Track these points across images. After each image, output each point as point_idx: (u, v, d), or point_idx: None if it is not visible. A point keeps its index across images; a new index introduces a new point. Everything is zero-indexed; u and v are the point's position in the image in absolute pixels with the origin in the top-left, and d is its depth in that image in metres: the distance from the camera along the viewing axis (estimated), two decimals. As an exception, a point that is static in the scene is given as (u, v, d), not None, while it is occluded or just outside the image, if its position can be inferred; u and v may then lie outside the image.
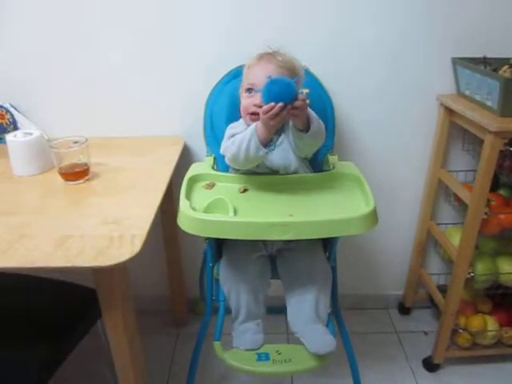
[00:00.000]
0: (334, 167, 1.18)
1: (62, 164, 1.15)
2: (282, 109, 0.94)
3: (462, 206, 1.52)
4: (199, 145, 1.45)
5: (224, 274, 1.11)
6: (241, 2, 1.32)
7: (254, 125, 1.03)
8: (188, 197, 1.03)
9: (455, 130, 1.46)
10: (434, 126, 1.47)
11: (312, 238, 0.93)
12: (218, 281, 1.17)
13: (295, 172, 1.11)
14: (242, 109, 1.12)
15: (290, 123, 1.05)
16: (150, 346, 1.63)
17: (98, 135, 1.45)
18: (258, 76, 1.08)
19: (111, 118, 1.47)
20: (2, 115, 1.40)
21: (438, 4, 1.33)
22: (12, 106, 1.41)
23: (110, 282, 0.90)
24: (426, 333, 1.70)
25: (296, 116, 0.98)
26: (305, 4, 1.33)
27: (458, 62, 1.36)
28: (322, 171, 1.25)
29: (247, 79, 1.11)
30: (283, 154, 1.09)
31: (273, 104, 0.94)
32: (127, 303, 0.95)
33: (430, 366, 1.52)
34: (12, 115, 1.40)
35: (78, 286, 1.16)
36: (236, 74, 1.29)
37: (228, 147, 1.07)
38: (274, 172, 1.11)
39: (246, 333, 1.08)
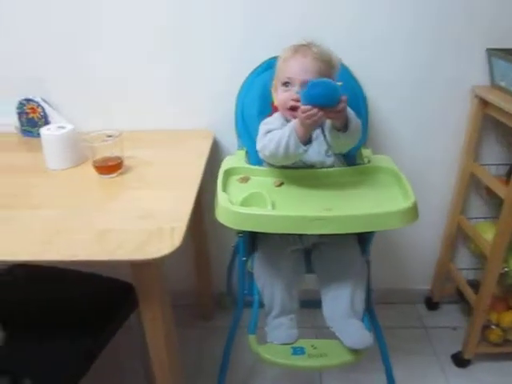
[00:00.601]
0: (368, 161, 1.16)
1: (96, 158, 1.15)
2: (323, 114, 0.94)
3: (494, 199, 1.50)
4: (228, 139, 1.44)
5: (258, 268, 1.11)
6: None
7: (292, 122, 1.02)
8: (224, 190, 1.02)
9: (488, 123, 1.42)
10: (465, 118, 1.44)
11: (351, 232, 0.91)
12: (251, 275, 1.17)
13: (331, 166, 1.10)
14: (278, 103, 1.11)
15: (328, 121, 1.03)
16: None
17: (126, 129, 1.44)
18: (294, 70, 1.07)
19: (138, 111, 1.47)
20: (34, 109, 1.41)
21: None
22: (43, 99, 1.42)
23: (150, 276, 0.90)
24: (454, 328, 1.68)
25: (336, 118, 0.98)
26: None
27: (494, 53, 1.33)
28: (355, 165, 1.24)
29: (283, 73, 1.10)
30: (319, 148, 1.09)
31: (314, 110, 0.93)
32: (165, 296, 0.95)
33: (460, 361, 1.51)
34: (43, 109, 1.41)
35: (113, 279, 1.17)
36: (268, 66, 1.28)
37: (266, 145, 1.05)
38: (309, 166, 1.10)
39: (280, 327, 1.08)
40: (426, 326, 1.70)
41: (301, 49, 1.09)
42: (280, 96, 1.10)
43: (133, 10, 1.34)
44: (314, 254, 1.14)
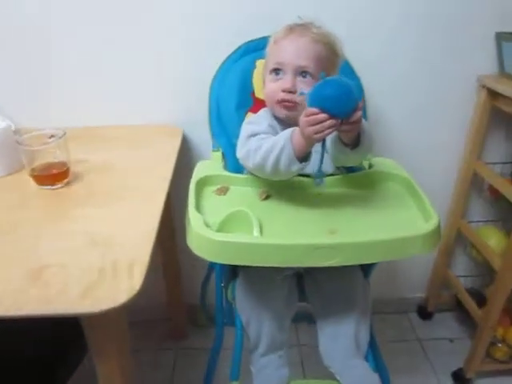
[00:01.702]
0: (369, 165, 0.97)
1: (35, 164, 0.92)
2: (334, 124, 0.70)
3: (499, 202, 1.35)
4: (201, 136, 1.23)
5: (242, 299, 0.91)
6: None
7: (288, 131, 0.78)
8: (197, 207, 0.81)
9: (496, 116, 1.26)
10: (471, 111, 1.27)
11: (364, 263, 0.72)
12: (232, 303, 0.97)
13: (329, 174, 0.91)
14: (266, 96, 0.90)
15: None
16: (144, 364, 1.43)
17: (76, 124, 1.21)
18: (287, 53, 0.86)
19: (92, 102, 1.23)
20: (-41, 101, 1.14)
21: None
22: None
23: (103, 331, 0.68)
24: (451, 340, 1.54)
25: (348, 131, 0.74)
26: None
27: (504, 37, 1.16)
28: (352, 167, 1.05)
29: (273, 57, 0.88)
30: (316, 156, 0.89)
31: (322, 115, 0.69)
32: (125, 349, 0.74)
33: (462, 380, 1.36)
34: (-29, 101, 1.14)
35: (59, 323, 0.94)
36: (247, 49, 1.07)
37: (250, 154, 0.82)
38: (302, 175, 0.90)
39: (268, 367, 0.90)
40: (421, 338, 1.55)
41: (297, 28, 0.88)
42: (268, 86, 0.89)
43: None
44: (307, 281, 0.94)
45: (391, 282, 1.59)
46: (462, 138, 1.31)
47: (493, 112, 1.23)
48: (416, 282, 1.60)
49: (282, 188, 0.88)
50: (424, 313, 1.61)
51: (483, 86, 1.21)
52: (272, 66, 0.87)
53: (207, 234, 0.70)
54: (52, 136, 0.93)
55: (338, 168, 0.92)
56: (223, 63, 1.07)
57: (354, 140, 0.77)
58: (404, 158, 1.28)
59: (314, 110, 0.70)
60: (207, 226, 0.76)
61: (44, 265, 0.70)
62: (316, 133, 0.70)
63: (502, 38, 1.17)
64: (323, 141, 0.75)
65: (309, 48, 0.84)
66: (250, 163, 0.83)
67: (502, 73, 1.20)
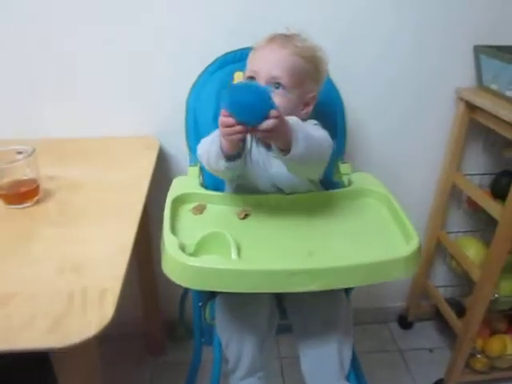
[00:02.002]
0: (348, 181, 0.96)
1: (2, 182, 0.87)
2: (240, 130, 0.69)
3: (477, 213, 1.35)
4: (179, 146, 1.19)
5: (222, 320, 0.88)
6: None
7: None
8: (173, 228, 0.78)
9: (474, 129, 1.27)
10: (449, 124, 1.28)
11: (342, 287, 0.70)
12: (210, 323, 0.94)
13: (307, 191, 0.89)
14: None
15: None
16: (120, 381, 1.39)
17: (47, 135, 1.17)
18: (262, 62, 0.84)
19: (64, 112, 1.19)
20: None
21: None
22: None
23: (72, 366, 0.65)
24: (431, 350, 1.54)
25: (263, 138, 0.74)
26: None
27: (483, 51, 1.16)
28: (331, 183, 1.04)
29: (250, 65, 0.87)
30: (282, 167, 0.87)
31: (230, 120, 0.68)
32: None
33: (442, 391, 1.37)
34: None
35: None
36: (224, 61, 1.05)
37: (199, 146, 0.85)
38: (279, 190, 0.88)
39: (246, 391, 0.87)
40: (401, 348, 1.55)
41: (279, 39, 0.86)
42: None
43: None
44: (287, 301, 0.92)
45: (371, 291, 1.58)
46: (441, 150, 1.32)
47: (471, 124, 1.24)
48: (396, 292, 1.60)
49: (260, 206, 0.86)
50: (404, 322, 1.61)
51: (461, 99, 1.22)
52: (247, 73, 0.86)
53: (181, 259, 0.68)
54: (20, 152, 0.89)
55: (313, 186, 0.91)
56: (200, 75, 1.05)
57: (288, 145, 0.72)
58: (384, 169, 1.29)
59: (224, 113, 0.69)
60: (183, 248, 0.73)
61: (9, 293, 0.66)
62: (225, 135, 0.71)
63: (479, 51, 1.18)
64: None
65: (286, 60, 0.82)
66: (202, 159, 0.85)
67: (480, 86, 1.21)
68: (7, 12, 1.07)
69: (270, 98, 0.67)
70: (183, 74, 1.07)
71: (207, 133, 0.99)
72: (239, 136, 0.70)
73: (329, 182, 1.05)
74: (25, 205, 0.88)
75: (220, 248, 0.74)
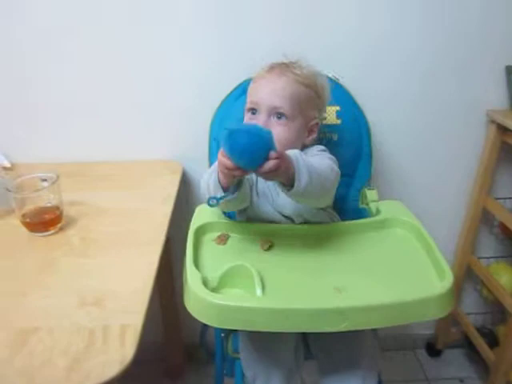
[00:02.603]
0: (376, 209, 0.93)
1: (26, 209, 0.87)
2: (237, 174, 0.69)
3: (510, 239, 1.30)
4: (203, 171, 1.19)
5: (247, 354, 0.85)
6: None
7: None
8: (196, 259, 0.76)
9: (507, 152, 1.22)
10: (479, 147, 1.23)
11: (373, 327, 0.67)
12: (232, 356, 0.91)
13: (317, 221, 0.86)
14: None
15: None
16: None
17: (73, 160, 1.18)
18: (262, 92, 0.82)
19: (90, 137, 1.19)
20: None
21: (493, 4, 1.09)
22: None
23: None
24: (461, 380, 1.47)
25: (268, 178, 0.71)
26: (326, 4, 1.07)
27: (516, 71, 1.12)
28: (357, 210, 1.01)
29: (250, 96, 0.86)
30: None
31: (229, 163, 0.67)
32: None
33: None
34: (-35, 138, 1.11)
35: None
36: (246, 87, 1.03)
37: (202, 179, 0.83)
38: (288, 220, 0.86)
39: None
40: (430, 378, 1.49)
41: (278, 67, 0.85)
42: None
43: (88, 23, 1.08)
44: (312, 335, 0.89)
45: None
46: (471, 173, 1.27)
47: (503, 147, 1.19)
48: (424, 318, 1.54)
49: (285, 236, 0.84)
50: (433, 350, 1.55)
51: (493, 122, 1.17)
52: (248, 105, 0.84)
53: (204, 296, 0.65)
54: (44, 180, 0.89)
55: (323, 213, 0.89)
56: (224, 100, 1.04)
57: (291, 180, 0.70)
58: (412, 193, 1.27)
59: (223, 155, 0.67)
60: (206, 282, 0.71)
61: (30, 328, 0.65)
62: (222, 172, 0.71)
63: None
64: None
65: (286, 88, 0.81)
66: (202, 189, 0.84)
67: (513, 108, 1.16)
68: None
69: (269, 142, 0.65)
70: (208, 99, 1.06)
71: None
72: (235, 177, 0.72)
73: (354, 209, 1.02)
74: (48, 232, 0.88)
75: (244, 282, 0.72)
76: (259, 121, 0.81)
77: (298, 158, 0.70)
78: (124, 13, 1.06)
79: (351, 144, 1.03)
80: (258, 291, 0.69)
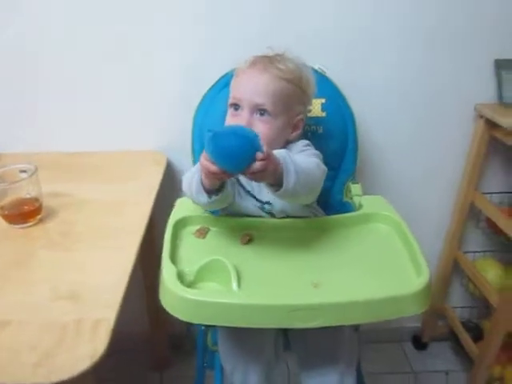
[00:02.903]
0: (359, 203, 0.92)
1: (5, 202, 0.86)
2: (221, 177, 0.69)
3: (497, 234, 1.29)
4: (187, 164, 1.18)
5: (226, 348, 0.84)
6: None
7: None
8: (173, 253, 0.76)
9: (494, 146, 1.21)
10: (467, 141, 1.22)
11: (347, 324, 0.66)
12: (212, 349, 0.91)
13: (300, 215, 0.86)
14: None
15: None
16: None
17: (58, 149, 1.17)
18: (244, 89, 0.81)
19: (77, 127, 1.18)
20: None
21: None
22: None
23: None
24: (447, 373, 1.48)
25: (256, 179, 0.70)
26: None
27: (505, 65, 1.11)
28: (341, 203, 1.00)
29: (233, 91, 0.84)
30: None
31: (213, 167, 0.66)
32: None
33: (457, 419, 1.31)
34: None
35: None
36: (229, 79, 1.02)
37: (183, 179, 0.82)
38: (269, 215, 0.86)
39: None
40: (416, 370, 1.50)
41: (261, 61, 0.82)
42: (227, 121, 0.84)
43: (80, 18, 1.06)
44: (291, 331, 0.88)
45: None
46: (458, 168, 1.26)
47: (491, 141, 1.18)
48: (411, 311, 1.54)
49: (265, 230, 0.83)
50: (419, 343, 1.56)
51: (481, 116, 1.16)
52: (231, 100, 0.82)
53: (178, 292, 0.65)
54: (24, 171, 0.88)
55: (307, 209, 0.88)
56: (207, 92, 1.03)
57: (278, 180, 0.69)
58: (397, 188, 1.26)
59: (206, 157, 0.66)
60: (182, 276, 0.71)
61: (3, 321, 0.64)
62: (205, 175, 0.70)
63: (501, 66, 1.12)
64: None
65: (269, 84, 0.79)
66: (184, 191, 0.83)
67: (501, 102, 1.15)
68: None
69: (255, 144, 0.64)
70: (194, 91, 1.04)
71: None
72: (219, 180, 0.71)
73: (338, 202, 1.01)
74: (27, 224, 0.87)
75: (221, 276, 0.71)
76: (242, 117, 0.80)
77: (286, 158, 0.70)
78: (110, 5, 1.05)
79: (336, 137, 1.02)
80: (234, 285, 0.69)
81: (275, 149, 0.81)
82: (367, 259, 0.77)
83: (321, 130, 1.01)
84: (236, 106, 0.81)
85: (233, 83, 0.85)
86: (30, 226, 0.87)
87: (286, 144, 0.86)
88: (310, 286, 0.70)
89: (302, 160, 0.76)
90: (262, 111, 0.79)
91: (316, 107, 1.01)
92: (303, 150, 0.85)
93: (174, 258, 0.75)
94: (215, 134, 0.63)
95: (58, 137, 1.19)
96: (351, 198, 0.98)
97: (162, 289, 0.68)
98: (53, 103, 1.16)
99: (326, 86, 1.02)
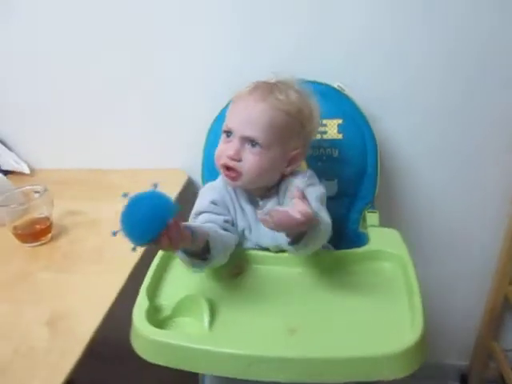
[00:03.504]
0: (368, 239, 0.83)
1: (18, 222, 0.91)
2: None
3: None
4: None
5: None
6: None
7: None
8: (156, 284, 0.74)
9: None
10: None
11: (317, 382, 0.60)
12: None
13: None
14: (215, 156, 0.79)
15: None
16: None
17: (90, 166, 1.22)
18: (237, 118, 0.76)
19: (105, 145, 1.23)
20: (-20, 143, 1.19)
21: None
22: (-8, 132, 1.20)
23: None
24: (496, 422, 1.31)
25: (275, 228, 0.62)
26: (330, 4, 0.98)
27: None
28: (355, 234, 0.93)
29: (227, 118, 0.79)
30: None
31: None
32: None
33: None
34: (-10, 143, 1.19)
35: None
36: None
37: None
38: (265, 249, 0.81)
39: None
40: (462, 415, 1.35)
41: (260, 89, 0.76)
42: (218, 147, 0.79)
43: (105, 36, 1.10)
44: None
45: (430, 343, 1.40)
46: (507, 193, 1.11)
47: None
48: (459, 349, 1.39)
49: (258, 264, 0.79)
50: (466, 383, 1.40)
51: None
52: (224, 127, 0.78)
53: (141, 329, 0.63)
54: (38, 192, 0.93)
55: None
56: (218, 115, 1.00)
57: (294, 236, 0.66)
58: (439, 215, 1.14)
59: None
60: (160, 309, 0.70)
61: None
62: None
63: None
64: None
65: (262, 116, 0.73)
66: None
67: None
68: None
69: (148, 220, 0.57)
70: (212, 109, 1.02)
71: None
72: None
73: (354, 232, 0.94)
74: (38, 243, 0.91)
75: (195, 313, 0.68)
76: (231, 146, 0.75)
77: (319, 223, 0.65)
78: (135, 17, 1.06)
79: (354, 161, 0.95)
80: (205, 325, 0.66)
81: (266, 181, 0.79)
82: (360, 305, 0.69)
83: (336, 154, 0.95)
84: (228, 133, 0.77)
85: (229, 109, 0.80)
86: (41, 245, 0.91)
87: (282, 178, 0.80)
88: (286, 331, 0.64)
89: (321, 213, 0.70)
90: (254, 143, 0.74)
91: (332, 129, 0.94)
92: (308, 185, 0.78)
93: (155, 290, 0.73)
94: (131, 203, 0.59)
95: (91, 155, 1.24)
96: (365, 229, 0.90)
97: (132, 330, 0.66)
98: (87, 123, 1.21)
99: (344, 105, 0.95)
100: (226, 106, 0.99)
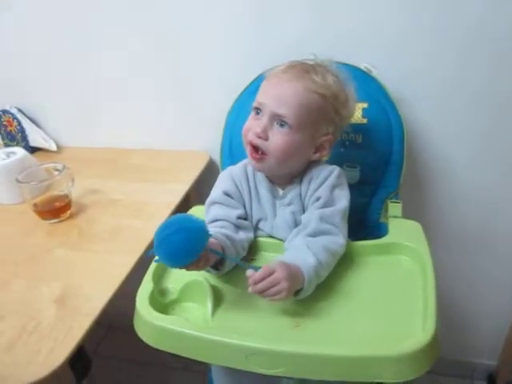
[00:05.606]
0: (388, 230, 0.79)
1: (38, 199, 0.93)
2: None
3: None
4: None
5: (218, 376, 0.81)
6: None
7: None
8: (165, 267, 0.73)
9: None
10: None
11: (314, 379, 0.57)
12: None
13: None
14: (242, 131, 0.76)
15: None
16: None
17: (115, 146, 1.23)
18: (269, 95, 0.72)
19: (129, 124, 1.23)
20: (10, 122, 1.22)
21: None
22: (20, 110, 1.23)
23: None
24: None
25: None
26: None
27: None
28: (376, 224, 0.88)
29: (259, 93, 0.75)
30: (285, 220, 0.76)
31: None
32: None
33: None
34: (19, 122, 1.21)
35: None
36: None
37: None
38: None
39: None
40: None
41: (296, 69, 0.73)
42: (246, 122, 0.75)
43: (127, 19, 1.09)
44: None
45: (458, 341, 1.34)
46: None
47: None
48: (487, 348, 1.33)
49: (270, 252, 0.77)
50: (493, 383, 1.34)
51: None
52: (255, 103, 0.74)
53: (144, 315, 0.62)
54: (58, 169, 0.94)
55: None
56: (240, 95, 0.97)
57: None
58: (477, 212, 1.08)
59: None
60: (164, 293, 0.69)
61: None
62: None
63: None
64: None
65: (296, 96, 0.69)
66: None
67: None
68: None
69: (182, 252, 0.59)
70: (239, 91, 1.00)
71: (240, 153, 0.91)
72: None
73: (375, 222, 0.90)
74: (58, 219, 0.93)
75: (200, 299, 0.67)
76: (261, 123, 0.72)
77: (311, 276, 0.64)
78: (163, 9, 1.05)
79: (378, 148, 0.90)
80: (209, 312, 0.65)
81: (292, 166, 0.75)
82: (370, 301, 0.65)
83: (360, 140, 0.90)
84: (258, 111, 0.74)
85: (262, 85, 0.76)
86: (59, 222, 0.92)
87: (309, 164, 0.77)
88: (291, 325, 0.62)
89: (328, 247, 0.68)
90: (283, 122, 0.71)
91: (356, 113, 0.89)
92: (334, 187, 0.74)
93: (163, 272, 0.73)
94: (158, 241, 0.60)
95: (115, 134, 1.24)
96: (387, 219, 0.85)
97: (135, 315, 0.66)
98: (114, 102, 1.21)
99: (370, 88, 0.90)
100: (246, 88, 0.97)
